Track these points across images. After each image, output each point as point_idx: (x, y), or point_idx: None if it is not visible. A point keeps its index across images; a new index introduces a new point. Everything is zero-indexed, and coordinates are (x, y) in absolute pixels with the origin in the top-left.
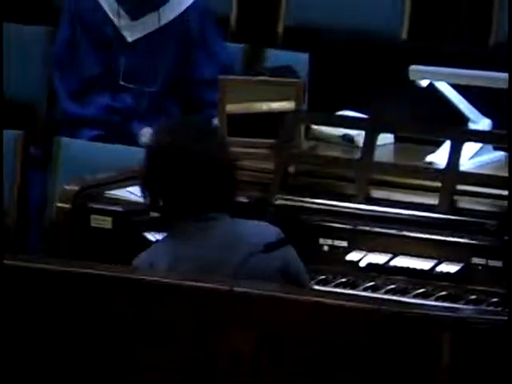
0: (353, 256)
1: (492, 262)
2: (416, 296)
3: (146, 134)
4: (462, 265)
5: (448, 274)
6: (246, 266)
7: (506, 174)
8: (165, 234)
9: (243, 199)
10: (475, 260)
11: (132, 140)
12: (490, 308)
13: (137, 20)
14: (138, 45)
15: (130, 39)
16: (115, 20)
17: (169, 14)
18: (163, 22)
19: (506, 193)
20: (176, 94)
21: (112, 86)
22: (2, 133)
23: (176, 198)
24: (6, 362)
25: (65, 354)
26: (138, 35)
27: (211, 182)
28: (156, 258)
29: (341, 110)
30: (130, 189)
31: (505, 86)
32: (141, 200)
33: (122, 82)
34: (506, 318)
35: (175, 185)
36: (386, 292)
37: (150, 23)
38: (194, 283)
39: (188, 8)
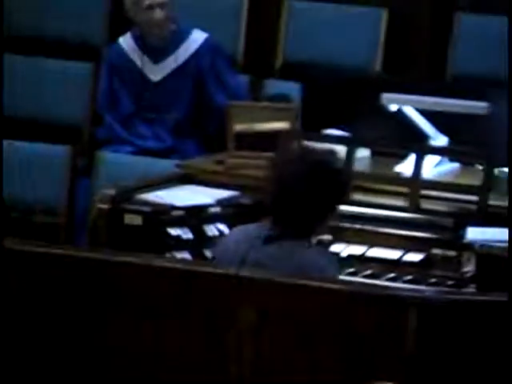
0: (336, 247)
1: (449, 253)
2: (387, 280)
3: None
4: (424, 254)
5: (413, 262)
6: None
7: (460, 181)
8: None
9: (247, 201)
10: (435, 251)
11: (156, 155)
12: (447, 289)
13: (158, 64)
14: (161, 83)
15: (154, 80)
16: (141, 66)
17: (183, 54)
18: (180, 61)
19: (460, 196)
20: (193, 119)
21: (142, 117)
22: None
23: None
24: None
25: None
26: (160, 76)
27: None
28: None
29: (327, 129)
30: (156, 193)
31: (458, 110)
32: (164, 202)
33: (148, 115)
34: (459, 297)
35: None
36: (363, 277)
37: (169, 65)
38: (212, 269)
39: (199, 47)
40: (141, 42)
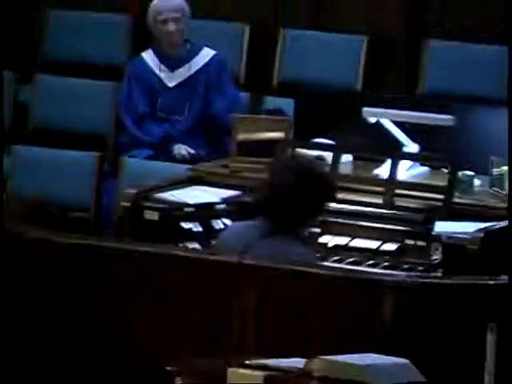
0: (323, 239)
1: (419, 243)
2: (367, 266)
3: (178, 149)
4: (398, 245)
5: (388, 251)
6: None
7: (429, 182)
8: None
9: (248, 200)
10: (407, 241)
11: (171, 158)
12: (418, 274)
13: (173, 72)
14: (176, 88)
15: (170, 85)
16: (159, 73)
17: (196, 65)
18: (192, 71)
19: (428, 195)
20: (200, 122)
21: (156, 119)
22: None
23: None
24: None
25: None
26: (175, 82)
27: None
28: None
29: (316, 138)
30: (171, 192)
31: (427, 122)
32: (178, 200)
33: (161, 114)
34: (428, 280)
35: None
36: (347, 264)
37: (183, 73)
38: (219, 258)
39: (209, 60)
40: (159, 52)
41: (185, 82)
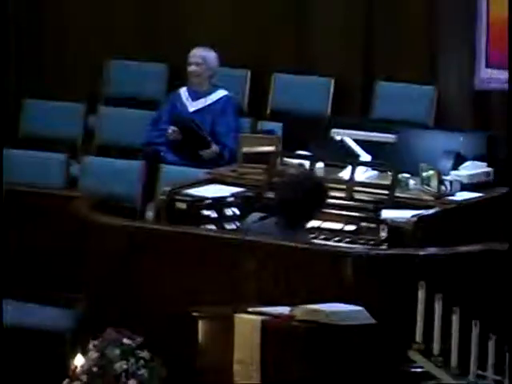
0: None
1: (371, 225)
2: (334, 241)
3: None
4: (356, 226)
5: (349, 230)
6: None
7: (378, 182)
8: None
9: (250, 194)
10: (362, 224)
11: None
12: (370, 247)
13: (195, 101)
14: (194, 113)
15: (190, 110)
16: (185, 101)
17: (210, 100)
18: (207, 103)
19: (378, 191)
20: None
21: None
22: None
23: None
24: None
25: None
26: (194, 108)
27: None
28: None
29: (298, 150)
30: (195, 189)
31: (377, 139)
32: (199, 195)
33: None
34: (377, 251)
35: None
36: (320, 240)
37: (201, 103)
38: (228, 235)
39: (221, 97)
40: (189, 88)
41: (201, 110)
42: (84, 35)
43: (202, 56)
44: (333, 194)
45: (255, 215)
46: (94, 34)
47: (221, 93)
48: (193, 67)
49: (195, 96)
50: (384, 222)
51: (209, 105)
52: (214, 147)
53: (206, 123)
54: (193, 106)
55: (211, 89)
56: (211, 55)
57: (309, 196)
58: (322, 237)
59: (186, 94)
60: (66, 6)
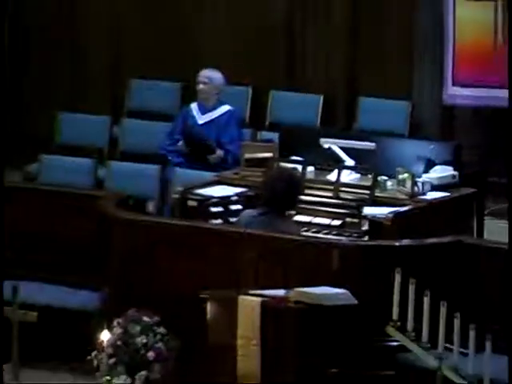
0: (298, 217)
1: (354, 220)
2: (323, 234)
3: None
4: (342, 221)
5: (336, 225)
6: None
7: (360, 183)
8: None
9: (251, 194)
10: (347, 219)
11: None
12: (353, 238)
13: (203, 115)
14: (203, 125)
15: (199, 123)
16: (195, 114)
17: (216, 114)
18: (213, 117)
19: (360, 191)
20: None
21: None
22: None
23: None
24: None
25: None
26: (203, 121)
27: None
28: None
29: (292, 156)
30: (204, 189)
31: (359, 147)
32: (207, 194)
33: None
34: (360, 242)
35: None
36: (311, 232)
37: (209, 117)
38: (232, 229)
39: (225, 112)
40: (199, 103)
41: (209, 122)
42: (110, 59)
43: (208, 76)
44: (322, 193)
45: (248, 211)
46: (120, 57)
47: (225, 107)
48: (201, 86)
49: (203, 110)
50: (365, 217)
51: (215, 118)
52: (219, 152)
53: (212, 133)
54: (202, 119)
55: (217, 104)
56: (217, 75)
57: (286, 188)
58: (313, 230)
59: (196, 108)
60: (96, 32)
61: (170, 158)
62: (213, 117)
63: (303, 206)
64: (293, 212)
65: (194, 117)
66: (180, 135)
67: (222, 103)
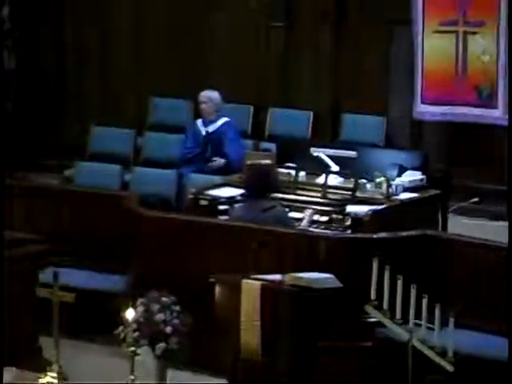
0: (292, 214)
1: (339, 216)
2: (313, 228)
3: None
4: (328, 217)
5: (324, 221)
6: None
7: (344, 186)
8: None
9: None
10: (333, 216)
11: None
12: (338, 232)
13: (206, 127)
14: (206, 136)
15: (203, 134)
16: (200, 127)
17: (216, 126)
18: (215, 128)
19: (343, 192)
20: (214, 153)
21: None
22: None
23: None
24: None
25: None
26: (206, 132)
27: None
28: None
29: (287, 163)
30: (213, 190)
31: (343, 155)
32: (216, 194)
33: (198, 149)
34: (344, 235)
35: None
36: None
37: (210, 128)
38: (236, 223)
39: (223, 123)
40: (202, 118)
41: (211, 133)
42: (135, 81)
43: (208, 96)
44: (312, 194)
45: (238, 205)
46: (143, 79)
47: (223, 120)
48: (203, 105)
49: (206, 123)
50: (348, 214)
51: (215, 129)
52: (218, 160)
53: (214, 142)
54: (205, 130)
55: (217, 118)
56: (215, 95)
57: (264, 177)
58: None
59: (201, 122)
60: (124, 58)
61: (184, 165)
62: (214, 128)
63: (296, 204)
64: (287, 209)
65: (199, 130)
66: (191, 144)
67: (220, 117)
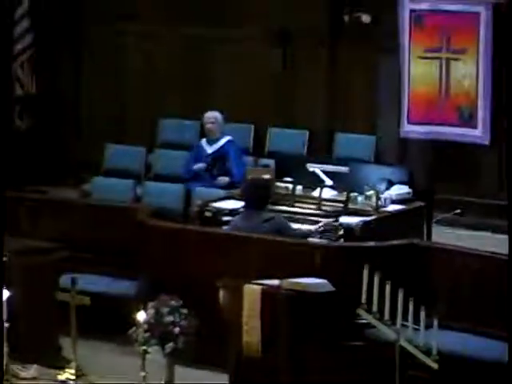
0: (291, 224)
1: (333, 226)
2: (310, 238)
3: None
4: (323, 228)
5: (319, 230)
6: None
7: (337, 198)
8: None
9: None
10: (327, 226)
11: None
12: (332, 241)
13: (210, 146)
14: (211, 154)
15: (208, 153)
16: (204, 146)
17: (220, 144)
18: (218, 147)
19: (337, 204)
20: (218, 170)
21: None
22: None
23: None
24: None
25: None
26: (210, 151)
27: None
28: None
29: (284, 177)
30: (217, 203)
31: (335, 170)
32: (220, 206)
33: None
34: (337, 244)
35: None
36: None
37: (214, 147)
38: (238, 234)
39: (226, 142)
40: (207, 138)
41: (215, 151)
42: (146, 104)
43: (215, 117)
44: (307, 206)
45: (237, 216)
46: (153, 102)
47: (226, 139)
48: (209, 125)
49: (210, 142)
50: (341, 225)
51: (219, 147)
52: (223, 179)
53: (218, 159)
54: (209, 150)
55: (220, 137)
56: (219, 116)
57: (257, 189)
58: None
59: (205, 141)
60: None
61: (190, 177)
62: (217, 147)
63: (294, 216)
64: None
65: (204, 149)
66: (196, 162)
67: (223, 135)
